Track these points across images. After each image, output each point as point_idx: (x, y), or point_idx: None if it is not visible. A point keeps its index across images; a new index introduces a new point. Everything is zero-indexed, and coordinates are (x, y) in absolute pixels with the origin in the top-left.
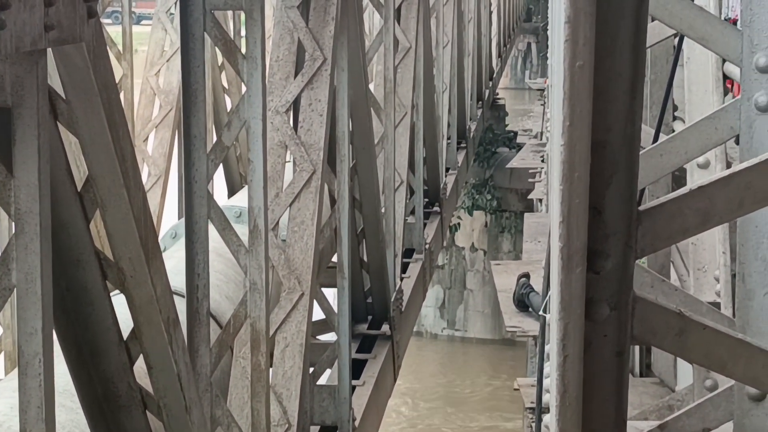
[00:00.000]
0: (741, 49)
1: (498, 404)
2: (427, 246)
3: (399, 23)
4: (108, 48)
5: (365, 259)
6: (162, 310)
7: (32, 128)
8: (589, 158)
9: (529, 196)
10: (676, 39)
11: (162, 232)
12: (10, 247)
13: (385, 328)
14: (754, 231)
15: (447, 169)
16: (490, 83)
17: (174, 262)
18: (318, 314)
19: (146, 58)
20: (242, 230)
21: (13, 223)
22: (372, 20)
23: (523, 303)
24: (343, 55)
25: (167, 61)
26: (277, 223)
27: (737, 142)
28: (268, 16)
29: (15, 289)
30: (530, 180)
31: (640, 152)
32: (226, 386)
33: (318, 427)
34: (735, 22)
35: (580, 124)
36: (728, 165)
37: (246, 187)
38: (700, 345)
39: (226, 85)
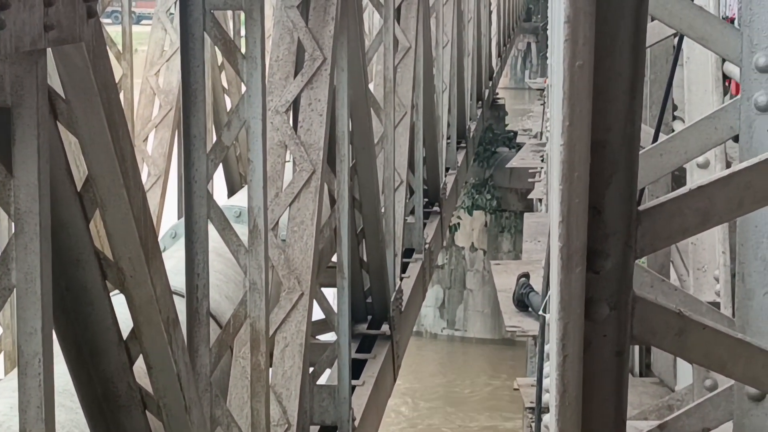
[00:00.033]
0: (741, 48)
1: (498, 404)
2: (426, 246)
3: (399, 23)
4: (108, 48)
5: (365, 258)
6: (162, 310)
7: (32, 128)
8: (588, 158)
9: (529, 196)
10: (676, 39)
11: (162, 232)
12: (10, 246)
13: (385, 327)
14: (753, 231)
15: (447, 169)
16: (490, 83)
17: (174, 262)
18: (318, 314)
19: (146, 58)
20: (242, 230)
21: (13, 223)
22: (372, 20)
23: (522, 303)
24: (342, 55)
25: (167, 61)
26: (277, 222)
27: (737, 141)
28: (267, 16)
29: (15, 289)
30: (530, 180)
31: (640, 152)
32: (226, 386)
33: (318, 427)
34: (732, 21)
35: (579, 124)
36: (728, 165)
37: (246, 187)
38: (700, 345)
39: (225, 85)
